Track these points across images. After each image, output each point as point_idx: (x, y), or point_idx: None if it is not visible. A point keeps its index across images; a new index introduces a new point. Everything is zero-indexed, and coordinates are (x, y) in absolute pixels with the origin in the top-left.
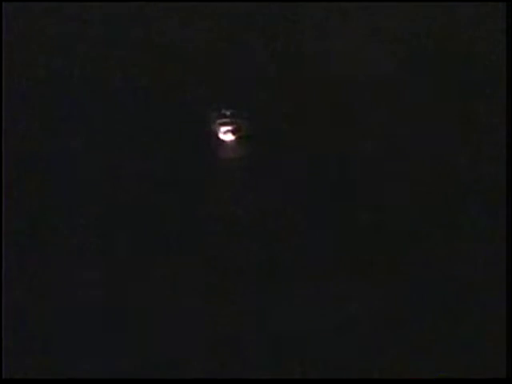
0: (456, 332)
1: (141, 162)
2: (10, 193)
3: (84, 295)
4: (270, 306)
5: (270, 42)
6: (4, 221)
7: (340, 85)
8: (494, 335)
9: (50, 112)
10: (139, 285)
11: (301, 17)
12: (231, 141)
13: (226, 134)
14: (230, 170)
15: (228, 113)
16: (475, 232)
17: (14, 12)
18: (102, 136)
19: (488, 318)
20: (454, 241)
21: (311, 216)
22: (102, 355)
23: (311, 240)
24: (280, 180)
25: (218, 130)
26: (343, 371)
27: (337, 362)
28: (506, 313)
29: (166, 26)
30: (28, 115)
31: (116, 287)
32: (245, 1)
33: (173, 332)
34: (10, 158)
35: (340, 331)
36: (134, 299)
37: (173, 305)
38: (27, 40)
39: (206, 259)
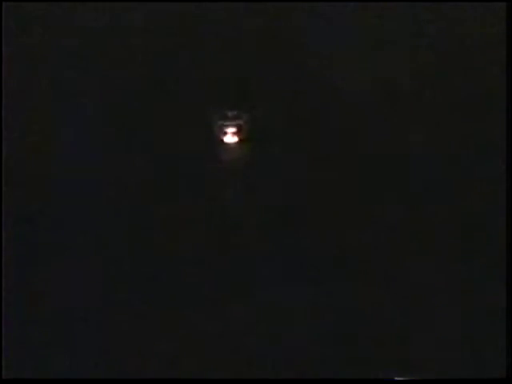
0: (456, 331)
1: (141, 164)
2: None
3: (84, 296)
4: (270, 306)
5: (271, 43)
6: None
7: (342, 86)
8: (493, 335)
9: (49, 114)
10: (138, 286)
11: (302, 18)
12: (234, 143)
13: (228, 136)
14: (232, 172)
15: (230, 114)
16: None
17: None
18: (101, 137)
19: (488, 317)
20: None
21: (312, 217)
22: (101, 355)
23: (312, 241)
24: (282, 182)
25: (221, 132)
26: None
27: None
28: (506, 313)
29: (166, 29)
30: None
31: (116, 288)
32: (245, 1)
33: (172, 332)
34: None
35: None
36: (134, 300)
37: (172, 305)
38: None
39: (206, 259)
